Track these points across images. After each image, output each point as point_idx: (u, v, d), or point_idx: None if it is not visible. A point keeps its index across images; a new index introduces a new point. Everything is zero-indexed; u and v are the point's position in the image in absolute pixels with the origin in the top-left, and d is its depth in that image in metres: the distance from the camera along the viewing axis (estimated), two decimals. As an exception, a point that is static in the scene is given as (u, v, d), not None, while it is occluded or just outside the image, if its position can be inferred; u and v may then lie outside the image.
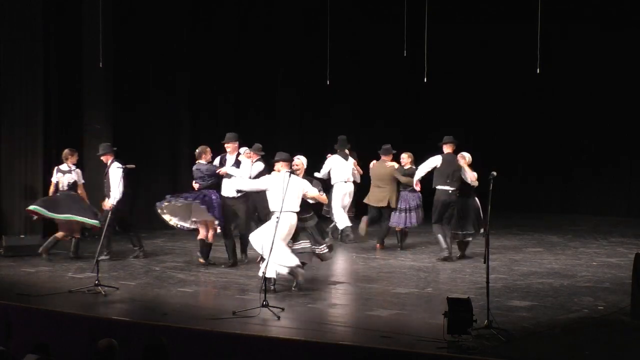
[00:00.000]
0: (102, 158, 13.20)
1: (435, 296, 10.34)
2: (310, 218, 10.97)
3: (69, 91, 15.75)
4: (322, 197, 11.01)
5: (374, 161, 14.27)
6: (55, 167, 13.35)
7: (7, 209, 14.62)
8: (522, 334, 8.40)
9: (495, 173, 9.37)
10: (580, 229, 16.73)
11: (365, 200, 14.27)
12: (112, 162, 12.99)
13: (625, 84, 18.39)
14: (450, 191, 12.79)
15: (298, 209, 10.54)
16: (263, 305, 9.27)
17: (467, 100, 19.68)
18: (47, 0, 15.17)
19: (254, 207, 12.69)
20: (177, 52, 16.96)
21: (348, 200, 14.81)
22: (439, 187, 12.88)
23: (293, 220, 10.49)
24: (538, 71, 12.74)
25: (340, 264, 13.12)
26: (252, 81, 18.02)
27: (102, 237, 11.18)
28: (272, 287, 10.46)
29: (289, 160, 10.78)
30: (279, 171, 10.67)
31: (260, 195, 11.39)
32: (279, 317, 9.10)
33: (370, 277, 11.66)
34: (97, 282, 10.50)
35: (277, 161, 10.75)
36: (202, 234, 12.34)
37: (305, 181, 10.83)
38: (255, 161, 12.73)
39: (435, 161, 12.93)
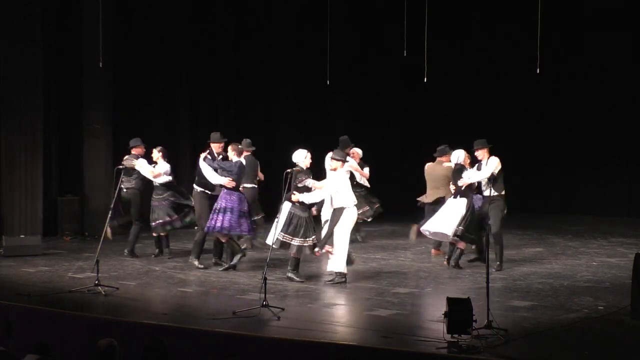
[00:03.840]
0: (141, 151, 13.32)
1: (435, 296, 10.35)
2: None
3: (69, 91, 15.78)
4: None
5: (429, 163, 13.65)
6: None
7: (7, 209, 14.62)
8: (522, 334, 8.40)
9: (495, 173, 9.42)
10: (580, 229, 16.73)
11: (421, 199, 13.70)
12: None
13: (625, 84, 18.38)
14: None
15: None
16: (263, 306, 9.27)
17: (467, 101, 19.67)
18: (47, 0, 15.19)
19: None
20: (177, 52, 16.98)
21: None
22: (502, 192, 12.06)
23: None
24: (538, 71, 12.73)
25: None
26: (252, 81, 18.04)
27: (102, 237, 11.20)
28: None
29: (343, 160, 11.39)
30: (335, 169, 11.25)
31: None
32: (279, 317, 9.11)
33: (370, 277, 11.66)
34: (97, 282, 10.52)
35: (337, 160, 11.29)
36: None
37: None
38: (246, 156, 13.01)
39: (496, 165, 12.01)
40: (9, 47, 14.63)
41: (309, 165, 11.30)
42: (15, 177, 14.68)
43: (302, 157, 11.24)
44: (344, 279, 11.11)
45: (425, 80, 13.50)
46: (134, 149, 13.28)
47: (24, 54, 14.71)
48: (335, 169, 11.27)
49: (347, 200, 11.15)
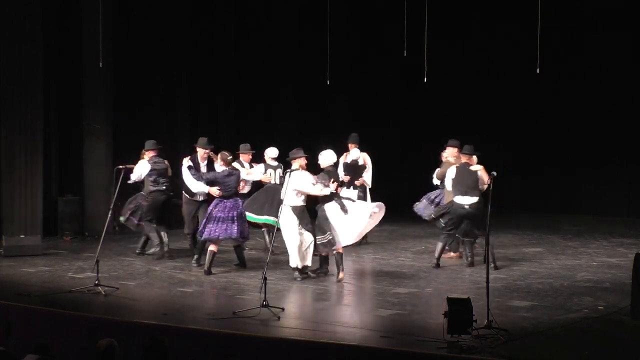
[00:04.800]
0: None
1: (435, 296, 10.35)
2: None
3: (69, 91, 15.77)
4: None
5: (456, 166, 13.12)
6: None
7: (7, 209, 14.62)
8: (522, 334, 8.40)
9: (495, 173, 9.42)
10: (580, 229, 16.72)
11: None
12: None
13: (625, 84, 18.37)
14: (468, 205, 12.08)
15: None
16: (263, 306, 9.27)
17: (467, 101, 19.66)
18: (47, 0, 15.18)
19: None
20: (177, 53, 16.98)
21: None
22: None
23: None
24: (538, 71, 12.73)
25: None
26: (251, 81, 18.05)
27: (102, 237, 11.21)
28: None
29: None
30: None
31: None
32: (279, 317, 9.11)
33: (370, 277, 11.66)
34: (97, 282, 10.52)
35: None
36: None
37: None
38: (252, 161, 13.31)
39: (450, 173, 12.19)
40: (9, 47, 14.63)
41: None
42: (15, 177, 14.68)
43: (334, 159, 11.51)
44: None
45: (425, 80, 13.49)
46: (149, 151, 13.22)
47: (24, 54, 14.71)
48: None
49: None
